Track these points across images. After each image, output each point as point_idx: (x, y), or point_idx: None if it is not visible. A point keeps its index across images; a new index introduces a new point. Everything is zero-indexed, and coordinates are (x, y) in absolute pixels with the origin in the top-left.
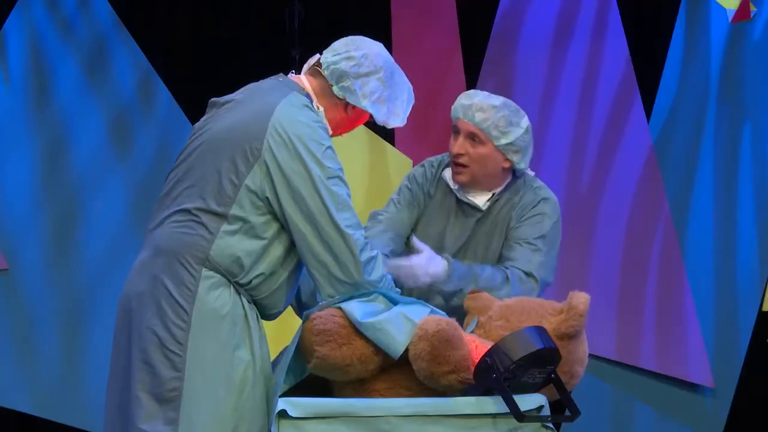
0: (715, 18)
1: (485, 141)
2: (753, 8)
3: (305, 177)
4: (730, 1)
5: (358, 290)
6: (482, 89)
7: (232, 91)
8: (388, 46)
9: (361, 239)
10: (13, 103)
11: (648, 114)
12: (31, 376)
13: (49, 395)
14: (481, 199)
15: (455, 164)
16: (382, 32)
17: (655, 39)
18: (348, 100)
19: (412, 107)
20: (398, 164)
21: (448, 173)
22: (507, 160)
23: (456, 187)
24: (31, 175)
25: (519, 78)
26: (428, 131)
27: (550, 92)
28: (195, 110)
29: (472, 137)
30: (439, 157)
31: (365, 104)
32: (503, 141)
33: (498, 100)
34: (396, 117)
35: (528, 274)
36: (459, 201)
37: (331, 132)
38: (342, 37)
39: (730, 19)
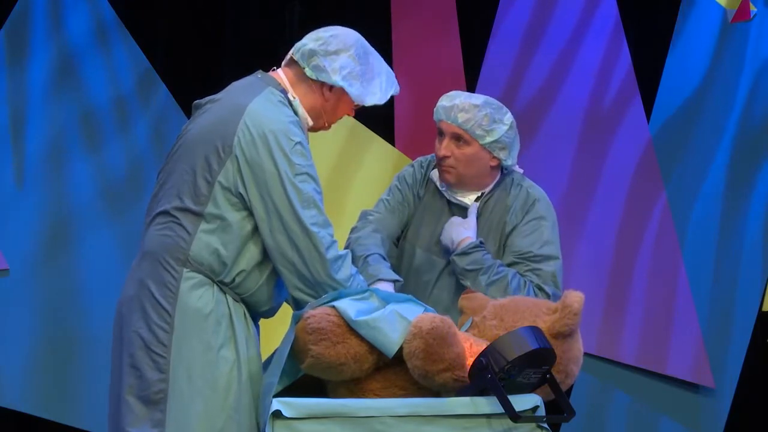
0: (715, 18)
1: (470, 141)
2: (753, 8)
3: (272, 173)
4: (730, 1)
5: (325, 289)
6: (482, 90)
7: None
8: (388, 47)
9: (328, 237)
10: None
11: (648, 112)
12: (31, 377)
13: (49, 395)
14: (470, 200)
15: (441, 164)
16: (382, 33)
17: (656, 38)
18: (320, 78)
19: (413, 107)
20: (398, 164)
21: (435, 174)
22: (494, 158)
23: (444, 188)
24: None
25: (519, 78)
26: (428, 131)
27: (549, 92)
28: None
29: (457, 138)
30: (428, 156)
31: (336, 79)
32: (488, 139)
33: (479, 99)
34: (373, 96)
35: (540, 289)
36: (449, 202)
37: (312, 123)
38: None
39: (730, 19)
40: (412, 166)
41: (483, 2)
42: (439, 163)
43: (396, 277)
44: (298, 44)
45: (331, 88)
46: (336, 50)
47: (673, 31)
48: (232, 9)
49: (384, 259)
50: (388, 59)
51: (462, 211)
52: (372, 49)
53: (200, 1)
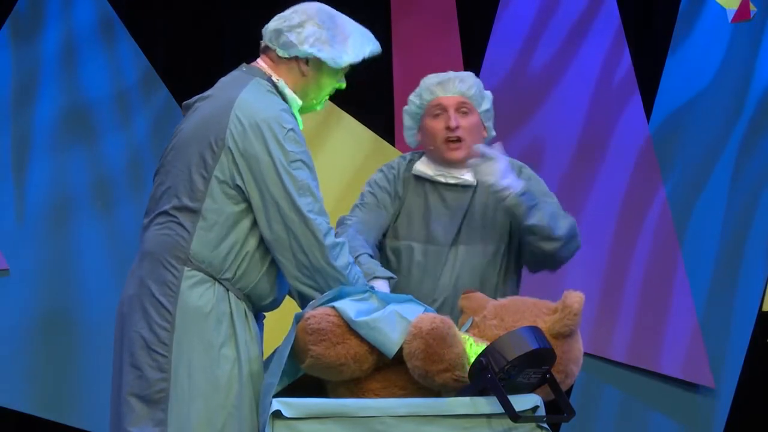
0: (715, 17)
1: (472, 110)
2: (753, 8)
3: (267, 162)
4: (730, 1)
5: (324, 277)
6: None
7: None
8: (388, 47)
9: (324, 224)
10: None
11: (648, 111)
12: (31, 377)
13: (49, 395)
14: (469, 175)
15: (450, 141)
16: (382, 32)
17: (656, 38)
18: (291, 54)
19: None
20: None
21: (421, 165)
22: (485, 128)
23: (439, 172)
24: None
25: (519, 78)
26: None
27: (549, 92)
28: None
29: (461, 108)
30: (396, 159)
31: (305, 48)
32: (484, 107)
33: (463, 72)
34: (347, 55)
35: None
36: (437, 191)
37: (301, 102)
38: None
39: (730, 19)
40: (381, 170)
41: (483, 2)
42: (447, 138)
43: (390, 274)
44: (264, 29)
45: (307, 61)
46: (299, 23)
47: (673, 30)
48: (232, 9)
49: (372, 257)
50: (389, 59)
51: (461, 190)
52: (338, 13)
53: (200, 1)
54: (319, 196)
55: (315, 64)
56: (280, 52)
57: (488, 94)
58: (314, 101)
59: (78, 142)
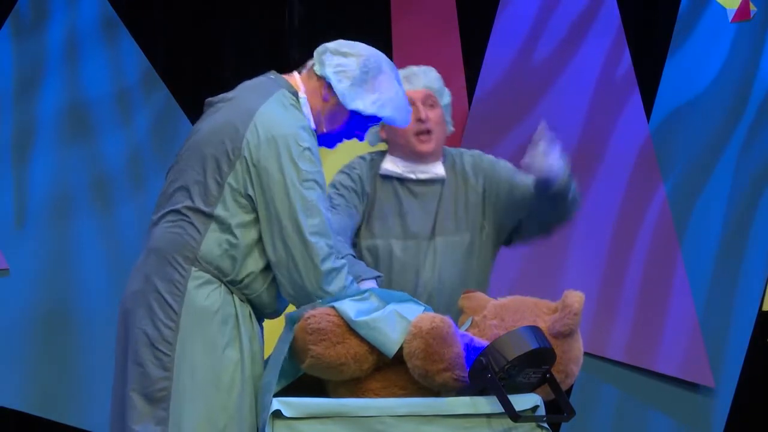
0: (715, 17)
1: (436, 103)
2: (753, 8)
3: (278, 178)
4: (731, 1)
5: (314, 300)
6: (482, 89)
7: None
8: (388, 46)
9: (325, 248)
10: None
11: (649, 110)
12: (31, 376)
13: (49, 395)
14: (438, 169)
15: (420, 134)
16: (382, 32)
17: (656, 38)
18: (319, 72)
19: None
20: None
21: (388, 164)
22: (446, 122)
23: (407, 171)
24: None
25: (519, 78)
26: None
27: (549, 92)
28: (195, 110)
29: (428, 100)
30: (355, 160)
31: (327, 72)
32: (445, 101)
33: (423, 66)
34: (361, 101)
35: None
36: (406, 186)
37: (314, 127)
38: (342, 38)
39: (730, 19)
40: (343, 172)
41: (483, 2)
42: (417, 131)
43: (376, 273)
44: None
45: (331, 86)
46: (346, 52)
47: (673, 30)
48: (232, 9)
49: (355, 258)
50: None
51: (430, 184)
52: (391, 75)
53: (200, 1)
54: (328, 216)
55: (338, 100)
56: (315, 67)
57: (447, 89)
58: (323, 129)
59: (78, 141)
